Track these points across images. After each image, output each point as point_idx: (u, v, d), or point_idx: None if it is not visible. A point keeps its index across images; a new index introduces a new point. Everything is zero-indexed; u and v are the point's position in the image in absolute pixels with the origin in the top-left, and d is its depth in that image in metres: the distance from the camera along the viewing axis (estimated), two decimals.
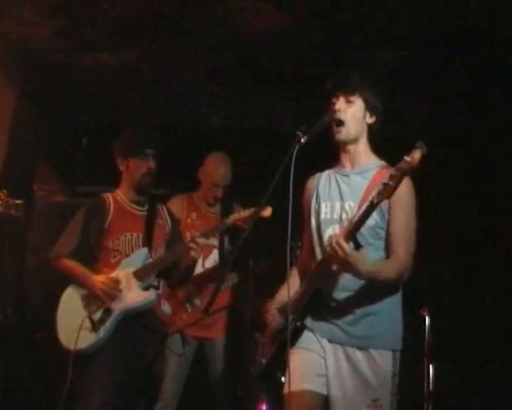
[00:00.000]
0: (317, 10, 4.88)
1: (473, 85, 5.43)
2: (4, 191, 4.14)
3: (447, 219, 5.91)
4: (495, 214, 5.71)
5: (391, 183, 3.13)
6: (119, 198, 4.49)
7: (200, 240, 4.33)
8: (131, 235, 4.38)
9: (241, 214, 4.52)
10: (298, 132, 3.40)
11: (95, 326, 4.13)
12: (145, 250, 4.35)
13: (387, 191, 3.15)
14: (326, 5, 4.85)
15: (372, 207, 3.23)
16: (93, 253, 4.38)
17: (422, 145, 3.11)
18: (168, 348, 4.92)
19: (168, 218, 4.60)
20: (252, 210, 4.42)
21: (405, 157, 3.11)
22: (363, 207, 3.28)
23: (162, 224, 4.53)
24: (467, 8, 4.71)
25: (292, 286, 3.52)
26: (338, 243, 3.24)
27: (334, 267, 3.37)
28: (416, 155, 3.09)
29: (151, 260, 4.35)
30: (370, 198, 3.23)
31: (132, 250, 4.35)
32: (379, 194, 3.18)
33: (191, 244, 4.31)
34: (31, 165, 6.04)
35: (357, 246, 3.28)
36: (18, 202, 4.18)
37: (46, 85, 5.82)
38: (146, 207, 4.51)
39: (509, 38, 4.85)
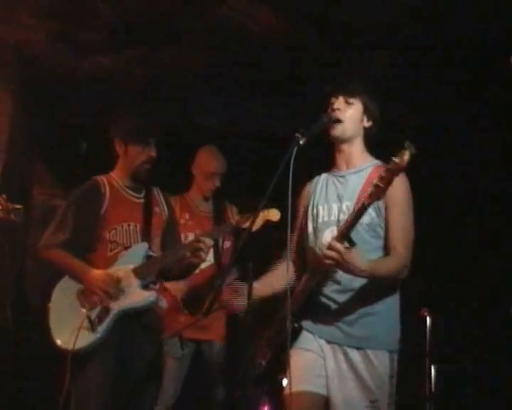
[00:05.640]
0: (311, 13, 4.90)
1: (466, 90, 5.47)
2: (3, 196, 4.08)
3: (446, 219, 5.93)
4: (492, 214, 5.74)
5: (381, 184, 3.16)
6: (114, 183, 4.23)
7: (208, 240, 4.13)
8: (129, 225, 4.16)
9: (247, 217, 4.30)
10: (296, 134, 3.39)
11: (92, 325, 3.94)
12: (145, 245, 4.15)
13: (378, 193, 3.18)
14: (321, 8, 4.88)
15: (363, 209, 3.26)
16: (87, 242, 4.14)
17: (411, 145, 3.13)
18: (166, 351, 4.90)
19: (164, 204, 4.38)
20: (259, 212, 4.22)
21: (394, 158, 3.14)
22: (356, 209, 3.31)
23: (159, 211, 4.31)
24: (463, 17, 4.75)
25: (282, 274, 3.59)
26: (331, 246, 3.27)
27: (332, 268, 3.39)
28: (405, 155, 3.12)
29: (150, 253, 4.17)
30: (362, 200, 3.26)
31: (130, 242, 4.15)
32: (369, 195, 3.21)
33: (200, 245, 4.10)
34: (30, 169, 6.01)
35: (351, 244, 3.29)
36: (17, 206, 4.10)
37: (44, 89, 5.81)
38: (143, 194, 4.28)
39: (503, 46, 4.88)
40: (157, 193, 4.38)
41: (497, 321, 5.53)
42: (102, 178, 4.25)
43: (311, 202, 3.69)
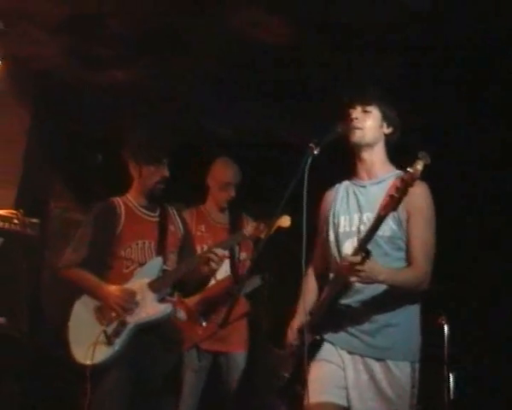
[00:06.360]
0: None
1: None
2: (21, 211, 4.10)
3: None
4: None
5: (395, 195, 3.17)
6: (129, 203, 4.33)
7: (219, 251, 4.18)
8: (143, 243, 4.24)
9: (259, 227, 4.39)
10: (310, 144, 3.38)
11: (109, 340, 3.97)
12: (159, 260, 4.21)
13: (392, 203, 3.19)
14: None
15: (380, 220, 3.26)
16: (104, 261, 4.23)
17: (425, 155, 3.15)
18: (183, 363, 4.87)
19: (180, 223, 4.45)
20: (274, 222, 4.22)
21: (408, 169, 3.16)
22: (372, 220, 3.31)
23: (174, 230, 4.38)
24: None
25: (312, 290, 3.62)
26: (347, 261, 3.27)
27: (352, 280, 3.37)
28: (419, 166, 3.14)
29: (165, 267, 4.22)
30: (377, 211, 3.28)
31: (145, 259, 4.21)
32: (384, 206, 3.23)
33: (211, 256, 4.15)
34: (46, 183, 5.98)
35: (367, 254, 3.27)
36: (34, 220, 4.15)
37: (59, 103, 5.78)
38: (157, 213, 4.36)
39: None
40: (172, 212, 4.46)
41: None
42: (118, 200, 4.36)
43: (332, 211, 3.67)
